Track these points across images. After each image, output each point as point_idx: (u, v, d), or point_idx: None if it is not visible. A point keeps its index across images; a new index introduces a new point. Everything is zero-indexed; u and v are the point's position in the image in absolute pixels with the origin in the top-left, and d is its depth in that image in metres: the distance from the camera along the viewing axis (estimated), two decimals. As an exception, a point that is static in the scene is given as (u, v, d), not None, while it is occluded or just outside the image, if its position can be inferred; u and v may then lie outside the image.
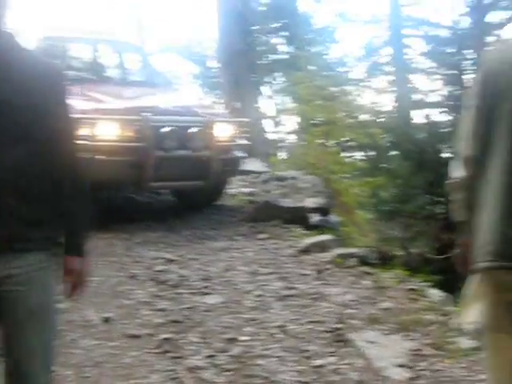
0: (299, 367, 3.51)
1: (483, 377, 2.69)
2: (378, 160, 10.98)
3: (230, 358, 3.59)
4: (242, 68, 13.68)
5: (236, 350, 3.70)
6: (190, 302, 4.47)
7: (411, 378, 3.37)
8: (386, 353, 3.66)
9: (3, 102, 1.94)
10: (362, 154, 12.75)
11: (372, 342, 3.80)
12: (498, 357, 1.83)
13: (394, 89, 19.27)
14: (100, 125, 6.13)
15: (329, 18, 21.09)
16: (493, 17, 18.39)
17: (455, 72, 17.42)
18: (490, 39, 17.29)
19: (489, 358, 1.89)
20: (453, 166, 1.99)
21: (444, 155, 8.63)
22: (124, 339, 3.84)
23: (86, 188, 2.15)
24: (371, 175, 10.26)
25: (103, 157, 6.03)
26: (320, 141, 10.83)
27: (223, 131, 6.83)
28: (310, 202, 7.36)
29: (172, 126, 6.40)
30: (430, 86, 19.49)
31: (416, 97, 18.87)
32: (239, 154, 7.14)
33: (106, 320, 4.10)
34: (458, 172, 1.96)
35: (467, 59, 17.49)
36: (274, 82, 20.84)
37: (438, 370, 3.46)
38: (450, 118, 13.84)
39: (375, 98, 18.51)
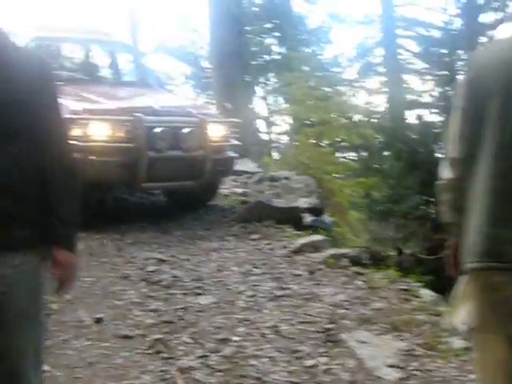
0: (291, 367, 3.52)
1: (474, 377, 2.71)
2: (370, 160, 11.03)
3: (222, 359, 3.59)
4: (234, 69, 13.67)
5: (228, 351, 3.70)
6: (182, 303, 4.46)
7: (403, 378, 3.38)
8: (377, 353, 3.66)
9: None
10: (355, 154, 12.79)
11: (364, 342, 3.81)
12: (485, 357, 1.83)
13: (387, 89, 19.31)
14: (92, 125, 6.12)
15: (322, 18, 21.09)
16: (485, 18, 18.50)
17: (447, 73, 17.47)
18: (482, 40, 17.36)
19: (477, 358, 1.90)
20: (442, 167, 2.00)
21: (436, 156, 8.66)
22: (116, 340, 3.84)
23: (77, 185, 2.13)
24: (364, 175, 10.31)
25: (95, 157, 6.03)
26: (313, 141, 10.86)
27: (216, 131, 6.83)
28: (303, 203, 7.36)
29: (165, 126, 6.40)
30: (423, 87, 19.56)
31: (408, 97, 18.91)
32: (232, 154, 7.15)
33: (98, 321, 4.09)
34: (446, 173, 1.95)
35: (460, 60, 17.54)
36: (267, 82, 20.86)
37: (429, 370, 3.47)
38: (442, 118, 13.89)
39: (368, 99, 18.58)
